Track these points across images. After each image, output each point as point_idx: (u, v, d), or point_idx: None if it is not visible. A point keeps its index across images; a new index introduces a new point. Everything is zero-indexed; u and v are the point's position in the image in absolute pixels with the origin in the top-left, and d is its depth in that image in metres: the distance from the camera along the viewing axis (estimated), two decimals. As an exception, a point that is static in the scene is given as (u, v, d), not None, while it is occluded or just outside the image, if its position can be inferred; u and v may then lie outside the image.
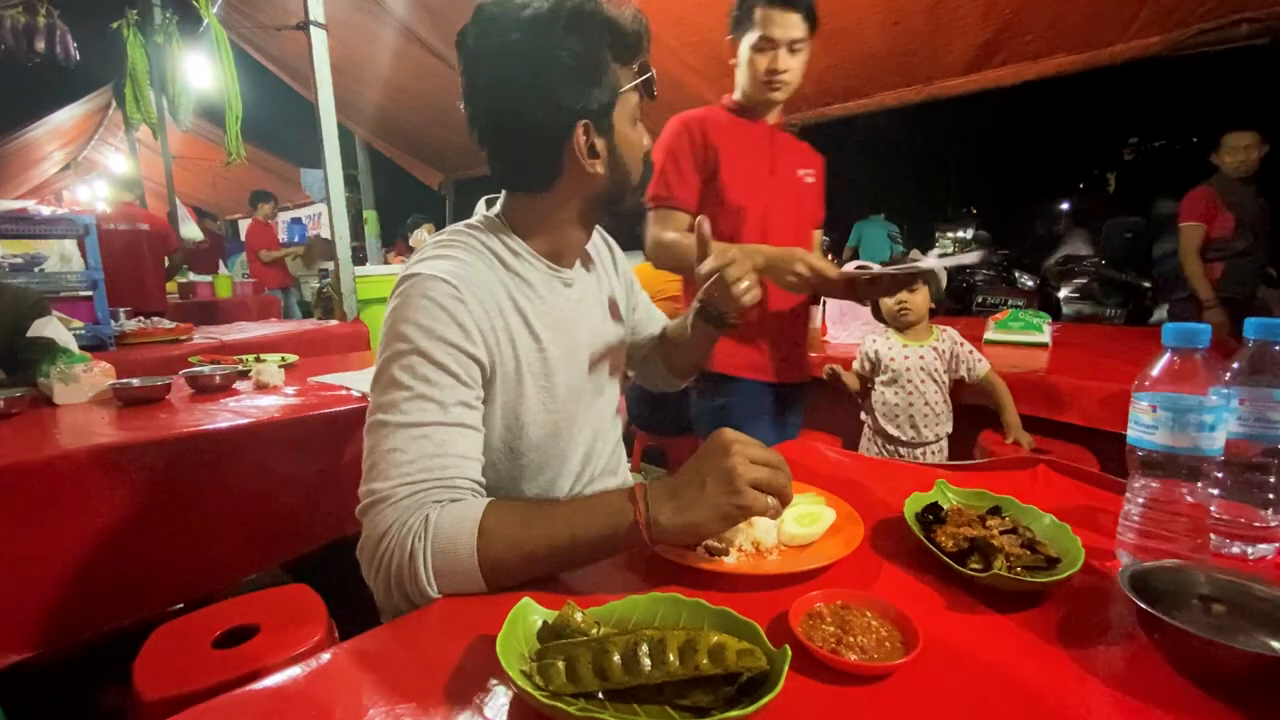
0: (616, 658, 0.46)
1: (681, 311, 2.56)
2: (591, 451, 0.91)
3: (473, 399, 0.72)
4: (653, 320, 1.16)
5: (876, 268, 1.30)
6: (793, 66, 1.43)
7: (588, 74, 0.74)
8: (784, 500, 0.63)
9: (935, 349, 1.84)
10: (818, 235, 1.71)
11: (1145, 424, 0.63)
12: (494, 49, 0.74)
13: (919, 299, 1.85)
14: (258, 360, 2.04)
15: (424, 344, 0.69)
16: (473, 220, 0.86)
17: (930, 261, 1.32)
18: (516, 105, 0.75)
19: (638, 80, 0.80)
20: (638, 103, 0.81)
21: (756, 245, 1.36)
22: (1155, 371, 0.63)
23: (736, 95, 1.52)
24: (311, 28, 2.86)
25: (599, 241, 1.01)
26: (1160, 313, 4.94)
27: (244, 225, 6.40)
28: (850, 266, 2.39)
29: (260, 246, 6.04)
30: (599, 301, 0.94)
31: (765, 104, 1.49)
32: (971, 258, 1.47)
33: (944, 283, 1.88)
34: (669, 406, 2.31)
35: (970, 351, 1.82)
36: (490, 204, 0.89)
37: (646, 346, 1.14)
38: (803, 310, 1.61)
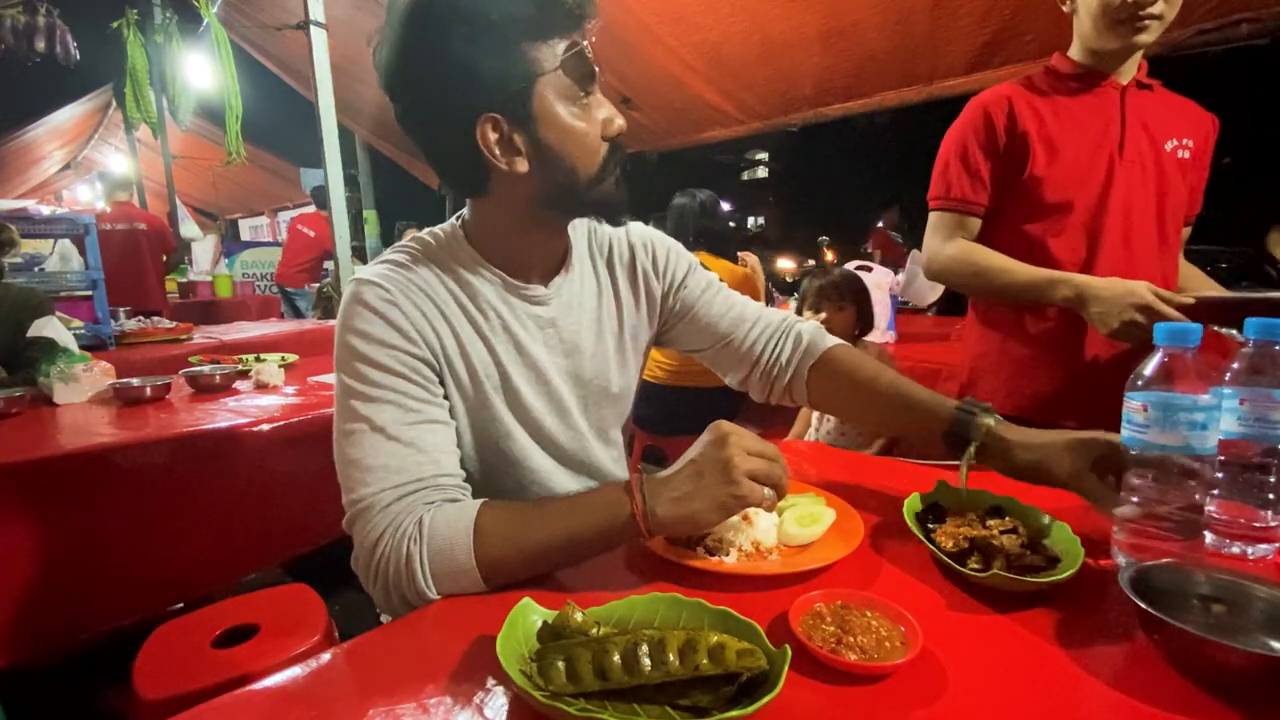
0: (616, 658, 0.46)
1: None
2: (586, 467, 0.87)
3: (427, 395, 0.71)
4: (730, 310, 0.93)
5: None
6: None
7: (481, 62, 0.65)
8: (780, 492, 0.63)
9: None
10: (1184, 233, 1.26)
11: (1137, 423, 0.63)
12: (389, 50, 0.68)
13: (843, 319, 1.83)
14: (258, 360, 2.04)
15: (364, 349, 0.68)
16: (436, 228, 0.82)
17: None
18: (414, 108, 0.70)
19: (561, 58, 0.67)
20: (574, 84, 0.69)
21: (1085, 281, 1.05)
22: (1147, 371, 0.64)
23: (1074, 51, 1.18)
24: (311, 28, 2.85)
25: (623, 245, 0.90)
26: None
27: (262, 223, 6.17)
28: (851, 266, 2.36)
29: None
30: (595, 316, 0.85)
31: (1117, 54, 1.12)
32: None
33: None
34: (670, 406, 2.30)
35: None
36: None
37: (717, 338, 0.93)
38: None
